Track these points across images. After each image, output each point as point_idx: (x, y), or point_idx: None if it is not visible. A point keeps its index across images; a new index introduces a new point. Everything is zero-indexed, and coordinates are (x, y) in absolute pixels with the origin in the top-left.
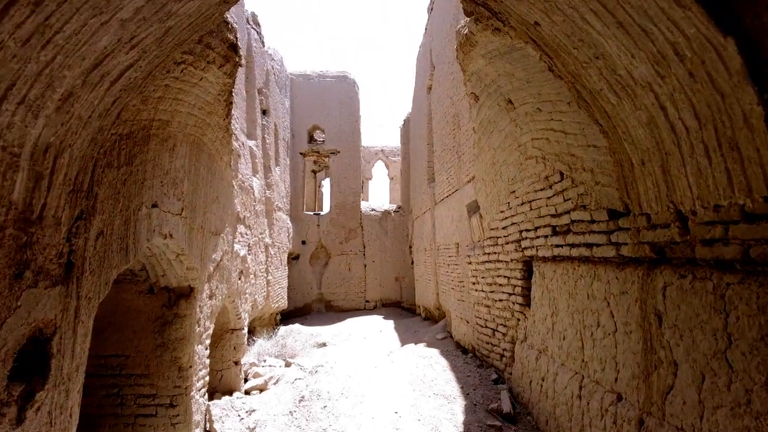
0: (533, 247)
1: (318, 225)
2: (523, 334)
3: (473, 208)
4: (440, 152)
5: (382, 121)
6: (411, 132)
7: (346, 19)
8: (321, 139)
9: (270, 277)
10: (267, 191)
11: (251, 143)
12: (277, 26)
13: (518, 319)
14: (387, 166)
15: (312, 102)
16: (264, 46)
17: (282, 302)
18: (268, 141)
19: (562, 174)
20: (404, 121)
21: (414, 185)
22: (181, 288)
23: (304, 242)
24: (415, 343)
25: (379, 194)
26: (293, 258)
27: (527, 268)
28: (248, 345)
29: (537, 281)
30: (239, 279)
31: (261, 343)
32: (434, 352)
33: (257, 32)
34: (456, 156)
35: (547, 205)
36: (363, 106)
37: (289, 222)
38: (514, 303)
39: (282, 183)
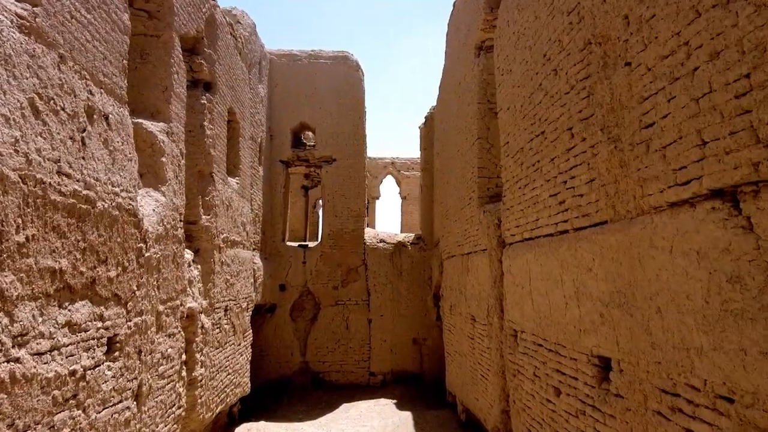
0: None
1: (304, 262)
2: None
3: None
4: (527, 144)
5: (391, 126)
6: (438, 130)
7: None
8: (311, 144)
9: (200, 372)
10: (203, 217)
11: (151, 125)
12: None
13: None
14: (398, 183)
15: (299, 91)
16: None
17: (236, 392)
18: (208, 132)
19: None
20: (426, 118)
21: (444, 207)
22: None
23: (282, 287)
24: None
25: (388, 219)
26: (266, 310)
27: None
28: None
29: None
30: None
31: None
32: None
33: None
34: (616, 131)
35: None
36: (369, 102)
37: (257, 260)
38: None
39: (244, 202)
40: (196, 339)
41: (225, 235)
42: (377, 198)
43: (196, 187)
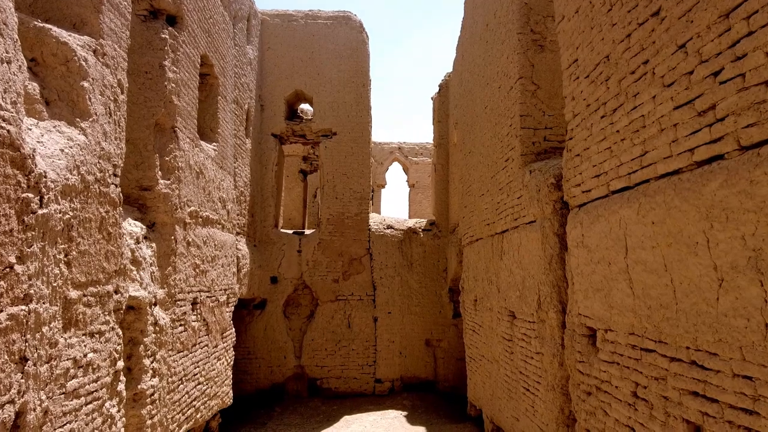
0: None
1: (299, 251)
2: None
3: None
4: (619, 44)
5: (398, 114)
6: (456, 95)
7: None
8: (308, 117)
9: (151, 383)
10: (161, 181)
11: (68, 36)
12: None
13: None
14: (406, 170)
15: (295, 56)
16: None
17: (212, 405)
18: (170, 75)
19: None
20: (440, 86)
21: (465, 183)
22: None
23: (274, 279)
24: None
25: (395, 210)
26: (255, 306)
27: None
28: None
29: None
30: None
31: None
32: None
33: None
34: None
35: None
36: (375, 89)
37: (242, 246)
38: None
39: (224, 174)
40: (145, 339)
41: (194, 208)
42: (383, 186)
43: (153, 143)
